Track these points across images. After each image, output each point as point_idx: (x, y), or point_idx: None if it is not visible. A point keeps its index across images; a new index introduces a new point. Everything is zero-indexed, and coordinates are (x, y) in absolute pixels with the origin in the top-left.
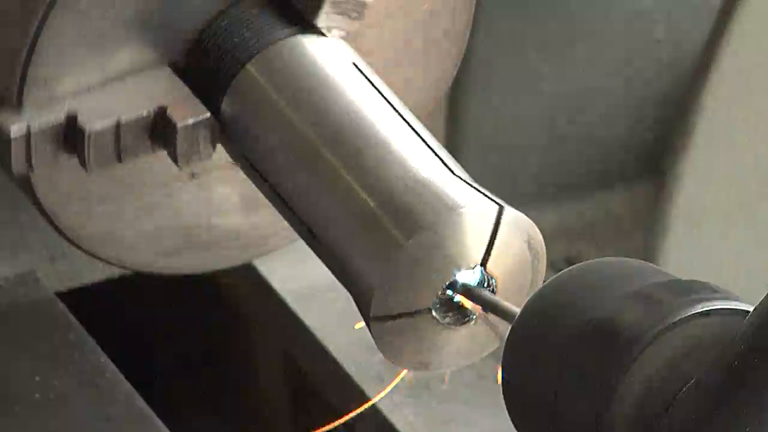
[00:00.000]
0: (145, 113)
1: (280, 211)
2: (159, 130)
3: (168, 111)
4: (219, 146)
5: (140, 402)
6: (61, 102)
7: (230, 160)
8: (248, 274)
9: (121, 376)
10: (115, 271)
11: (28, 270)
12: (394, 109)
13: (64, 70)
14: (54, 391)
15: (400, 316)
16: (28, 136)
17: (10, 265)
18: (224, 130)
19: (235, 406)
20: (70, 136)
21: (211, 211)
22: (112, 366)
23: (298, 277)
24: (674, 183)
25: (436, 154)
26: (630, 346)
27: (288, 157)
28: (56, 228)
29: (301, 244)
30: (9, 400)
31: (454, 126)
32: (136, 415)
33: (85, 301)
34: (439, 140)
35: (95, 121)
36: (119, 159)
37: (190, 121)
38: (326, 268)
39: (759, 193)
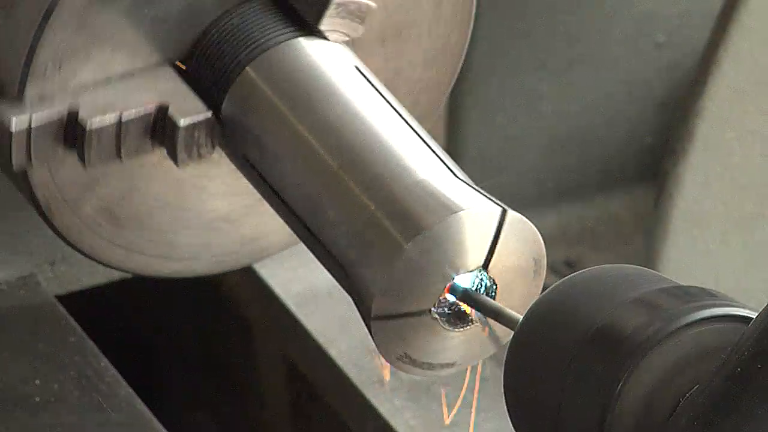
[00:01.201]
0: (146, 111)
1: (280, 214)
2: (160, 128)
3: (170, 110)
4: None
5: (141, 405)
6: (63, 96)
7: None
8: (249, 278)
9: (122, 380)
10: (116, 275)
11: (28, 273)
12: (395, 111)
13: (66, 65)
14: (54, 395)
15: (401, 317)
16: (29, 130)
17: (10, 269)
18: (224, 132)
19: (235, 409)
20: (71, 131)
21: (213, 213)
22: (112, 369)
23: (299, 280)
24: (674, 186)
25: (437, 157)
26: (633, 353)
27: (287, 160)
28: (55, 230)
29: (302, 248)
30: (9, 402)
31: (455, 129)
32: (136, 419)
33: (85, 305)
34: (439, 143)
35: (96, 117)
36: (119, 156)
37: (192, 120)
38: (327, 272)
39: (760, 196)
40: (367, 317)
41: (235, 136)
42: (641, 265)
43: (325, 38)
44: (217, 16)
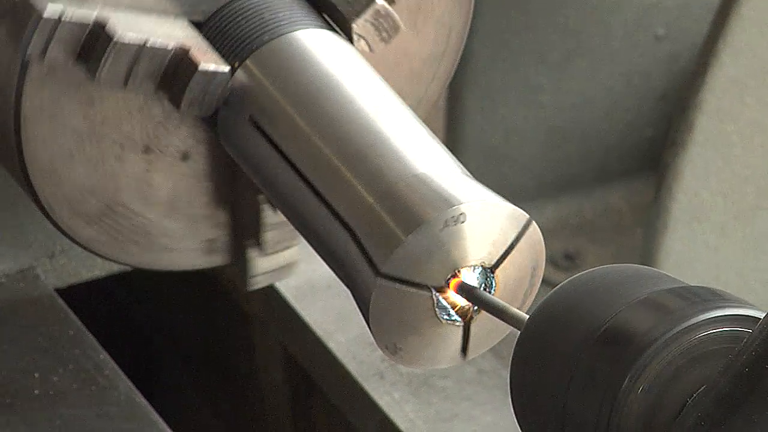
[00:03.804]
0: (170, 46)
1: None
2: (171, 74)
3: (191, 52)
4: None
5: (139, 398)
6: (94, 4)
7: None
8: None
9: (121, 373)
10: (115, 268)
11: (27, 266)
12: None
13: None
14: (53, 388)
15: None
16: (57, 22)
17: (9, 262)
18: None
19: (235, 403)
20: (91, 43)
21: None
22: (111, 362)
23: (298, 273)
24: (674, 179)
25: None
26: (640, 353)
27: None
28: (55, 224)
29: (301, 241)
30: (8, 395)
31: (455, 121)
32: (135, 412)
33: (84, 298)
34: (439, 136)
35: (124, 32)
36: (125, 82)
37: (211, 67)
38: (326, 265)
39: (759, 188)
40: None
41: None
42: (640, 258)
43: (350, 39)
44: (214, 10)
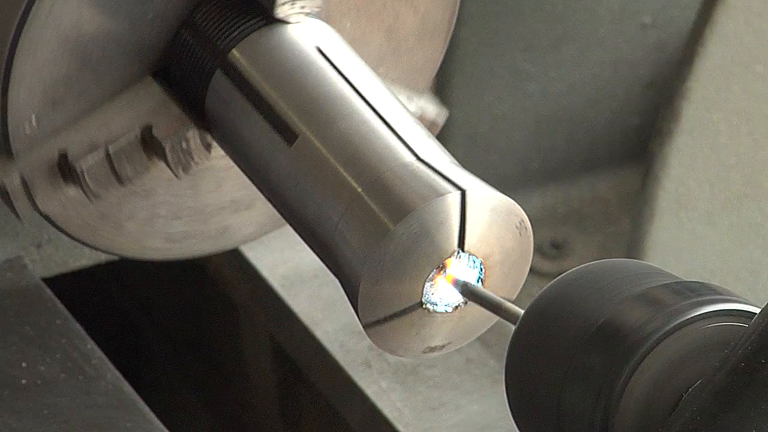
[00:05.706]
0: (132, 137)
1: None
2: (150, 145)
3: (153, 130)
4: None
5: (127, 388)
6: (50, 140)
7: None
8: (235, 260)
9: (108, 362)
10: (102, 257)
11: (14, 256)
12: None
13: (45, 108)
14: (41, 377)
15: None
16: (24, 185)
17: None
18: (210, 118)
19: (222, 391)
20: (66, 171)
21: (201, 195)
22: (99, 352)
23: (285, 262)
24: (661, 167)
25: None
26: (635, 349)
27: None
28: (43, 214)
29: (288, 230)
30: None
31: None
32: (122, 402)
33: (71, 287)
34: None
35: (85, 156)
36: (120, 182)
37: (176, 137)
38: (313, 254)
39: (746, 177)
40: (354, 300)
41: (221, 122)
42: (627, 247)
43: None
44: (194, 5)
